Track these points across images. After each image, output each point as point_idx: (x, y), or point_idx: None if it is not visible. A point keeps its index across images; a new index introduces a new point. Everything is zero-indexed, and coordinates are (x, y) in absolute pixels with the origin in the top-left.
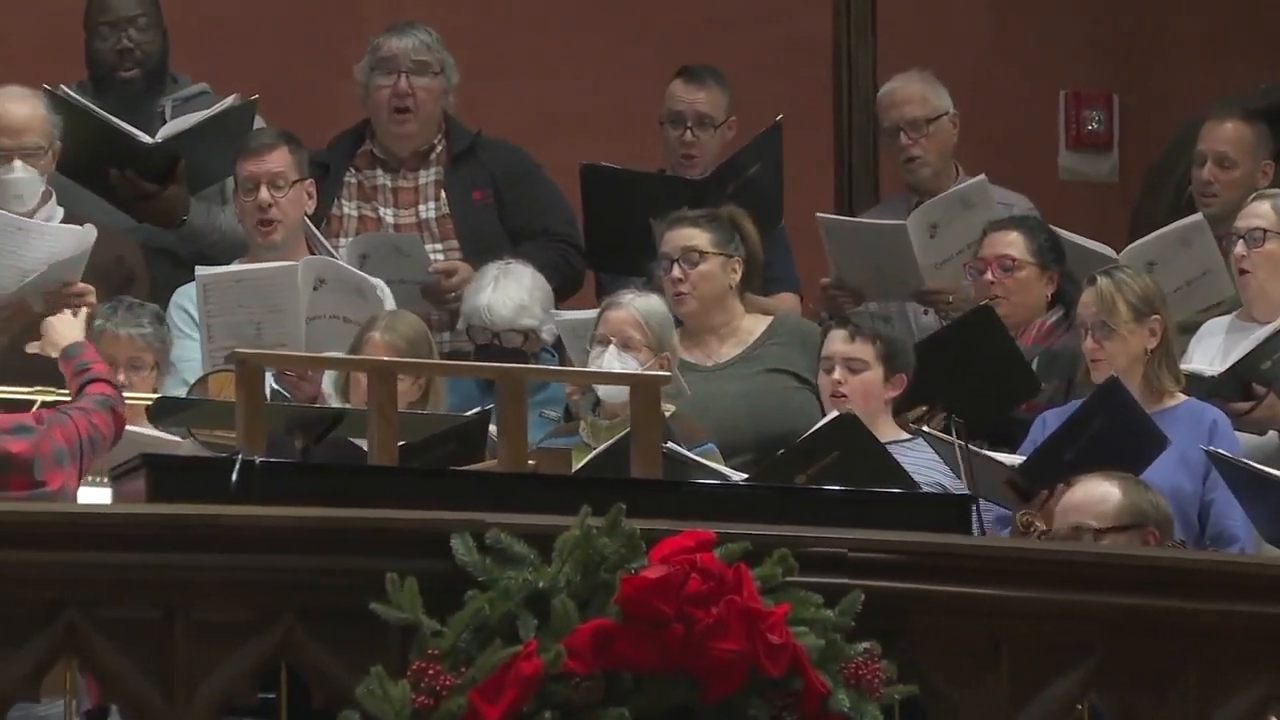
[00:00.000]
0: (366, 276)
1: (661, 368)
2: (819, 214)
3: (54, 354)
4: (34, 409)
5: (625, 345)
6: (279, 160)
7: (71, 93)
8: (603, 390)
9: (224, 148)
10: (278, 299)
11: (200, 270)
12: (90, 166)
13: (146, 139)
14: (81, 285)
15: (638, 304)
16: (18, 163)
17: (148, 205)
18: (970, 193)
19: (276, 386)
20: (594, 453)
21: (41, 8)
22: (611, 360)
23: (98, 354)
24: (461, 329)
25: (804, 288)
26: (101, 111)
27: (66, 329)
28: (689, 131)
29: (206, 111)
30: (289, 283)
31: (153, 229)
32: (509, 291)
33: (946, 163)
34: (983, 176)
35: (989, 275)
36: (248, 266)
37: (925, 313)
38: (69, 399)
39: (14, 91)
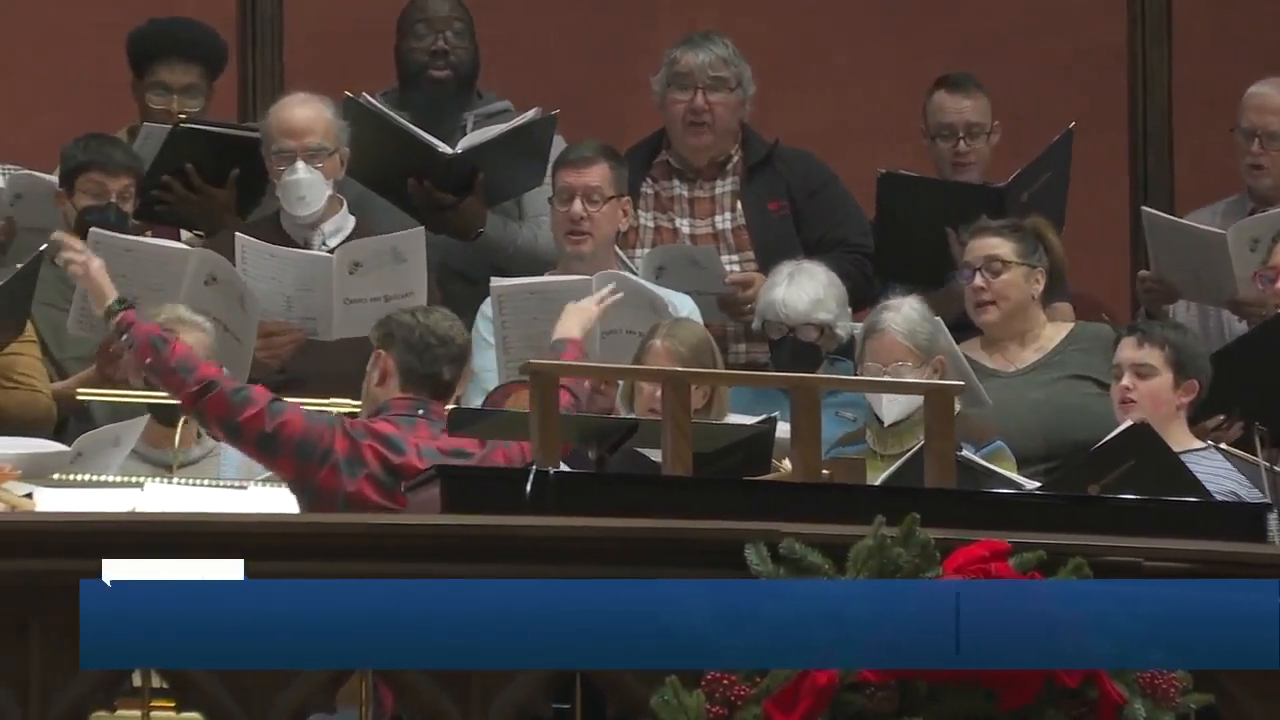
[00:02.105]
0: (659, 292)
1: (936, 369)
2: (1145, 208)
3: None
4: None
5: (899, 373)
6: (598, 175)
7: (373, 100)
8: (887, 414)
9: (523, 162)
10: None
11: (495, 282)
12: (388, 175)
13: (446, 149)
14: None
15: (898, 324)
16: (300, 164)
17: (444, 216)
18: None
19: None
20: (891, 469)
21: (352, 17)
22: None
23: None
24: (757, 328)
25: (1095, 293)
26: (402, 120)
27: (576, 319)
28: (961, 142)
29: (507, 124)
30: (584, 296)
31: (449, 248)
32: (804, 286)
33: None
34: None
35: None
36: (542, 279)
37: (1239, 321)
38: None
39: (299, 96)
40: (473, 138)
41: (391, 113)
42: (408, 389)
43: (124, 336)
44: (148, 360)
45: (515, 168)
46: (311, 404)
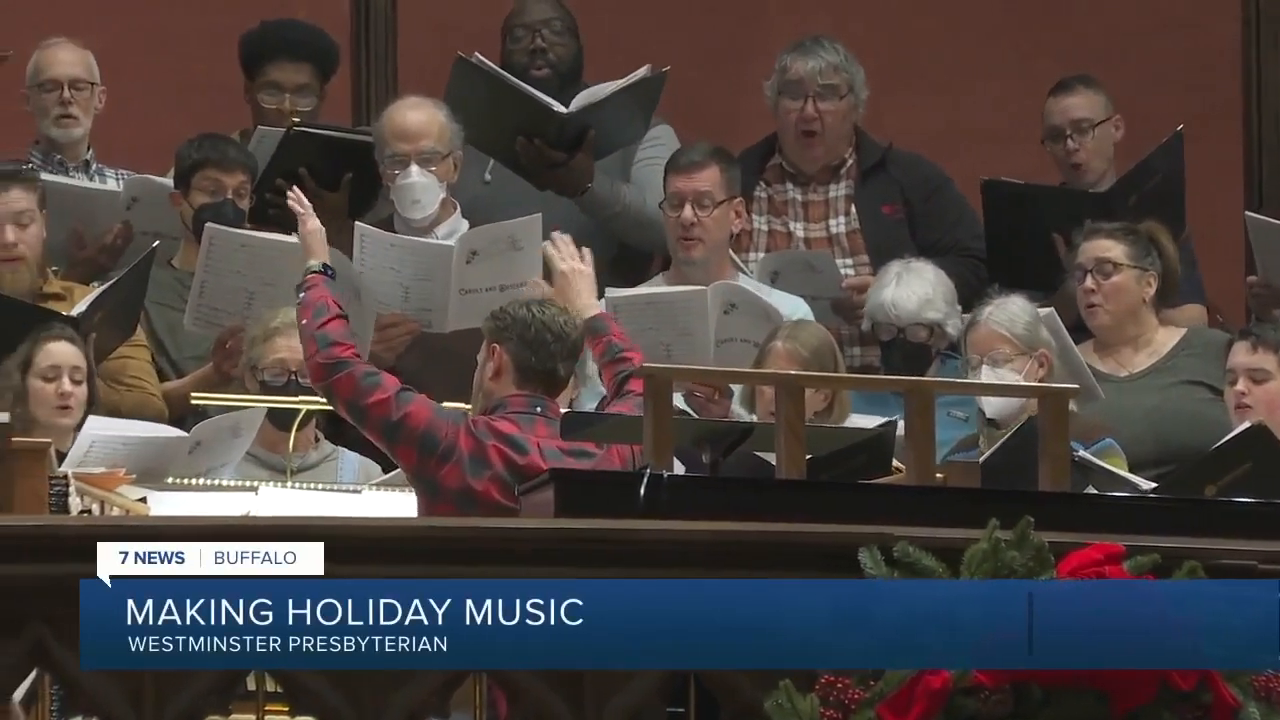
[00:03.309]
0: (773, 300)
1: (1041, 365)
2: (1248, 213)
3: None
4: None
5: (995, 361)
6: (708, 179)
7: (484, 60)
8: (989, 406)
9: (630, 117)
10: (687, 322)
11: (611, 292)
12: (499, 135)
13: (560, 108)
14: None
15: (996, 316)
16: (414, 168)
17: (553, 174)
18: None
19: (685, 407)
20: (995, 446)
21: (465, 18)
22: (988, 379)
23: (622, 331)
24: (866, 329)
25: (1210, 297)
26: (514, 79)
27: (586, 287)
28: (1069, 140)
29: (619, 82)
30: (698, 307)
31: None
32: (913, 286)
33: None
34: None
35: None
36: (657, 290)
37: None
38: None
39: (413, 100)
40: (585, 96)
41: (503, 72)
42: (523, 385)
43: (301, 294)
44: (303, 321)
45: (622, 123)
46: None
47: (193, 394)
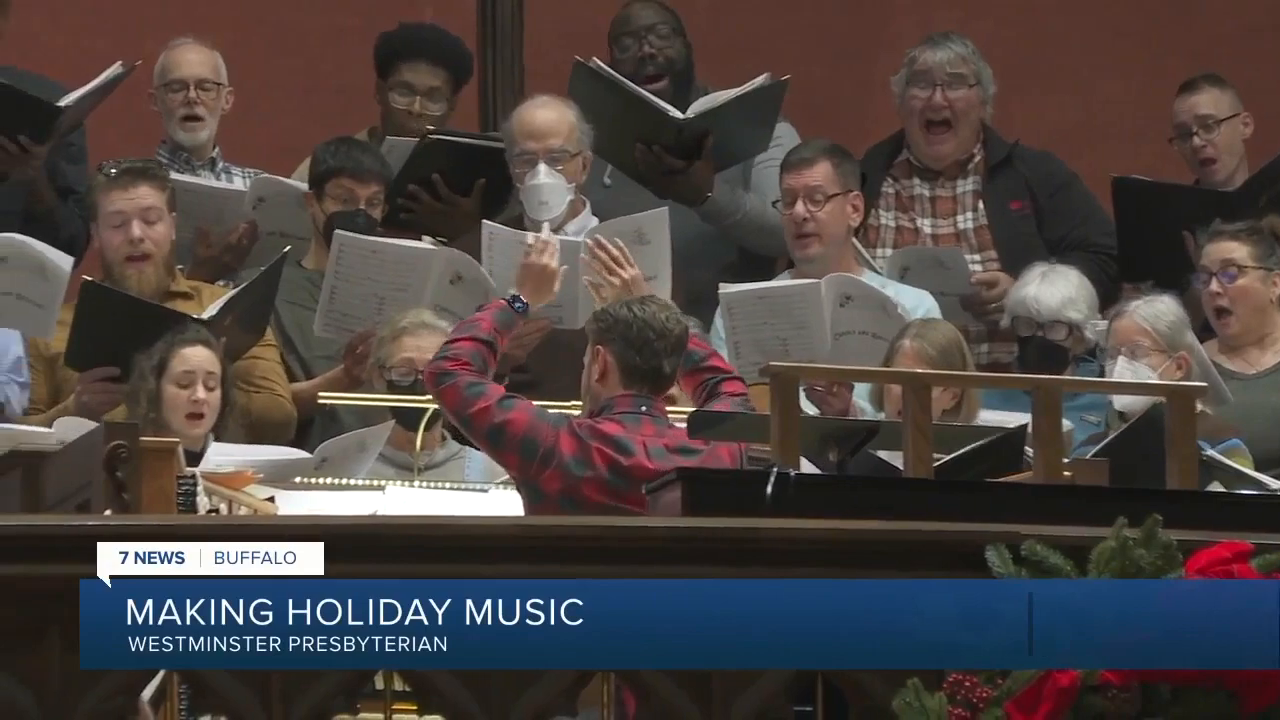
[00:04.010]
0: (890, 292)
1: (1179, 368)
2: None
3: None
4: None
5: (1134, 353)
6: (819, 174)
7: (603, 65)
8: (1119, 401)
9: (751, 126)
10: (803, 316)
11: (724, 288)
12: (617, 141)
13: (678, 114)
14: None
15: (1142, 311)
16: (542, 167)
17: (672, 181)
18: None
19: (806, 401)
20: (1115, 432)
21: (591, 20)
22: (1124, 370)
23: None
24: (1005, 325)
25: None
26: (633, 85)
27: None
28: (1195, 137)
29: (738, 89)
30: (813, 300)
31: (685, 243)
32: (1056, 285)
33: None
34: None
35: None
36: (770, 284)
37: None
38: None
39: (542, 99)
40: (703, 102)
41: (622, 78)
42: (629, 385)
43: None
44: (451, 330)
45: (743, 132)
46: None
47: (320, 394)
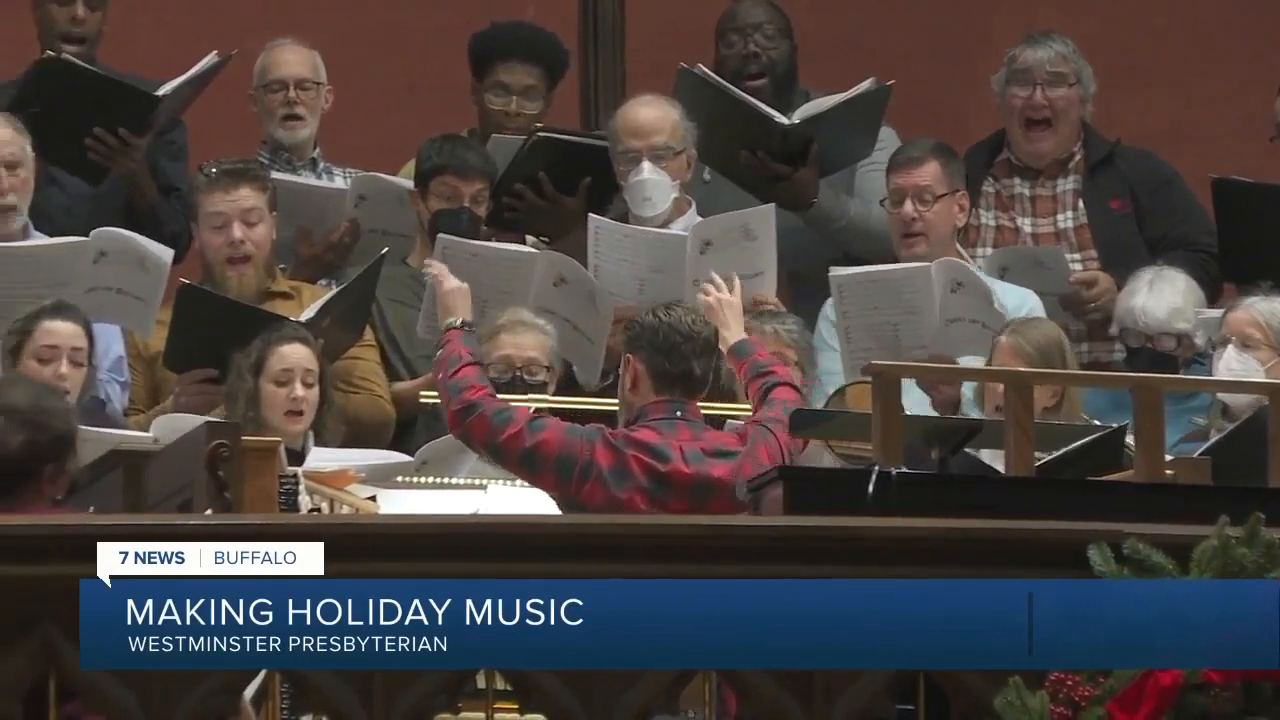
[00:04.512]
0: (992, 283)
1: None
2: None
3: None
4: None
5: (1245, 345)
6: (928, 174)
7: (708, 71)
8: (1227, 396)
9: (855, 132)
10: (913, 300)
11: (834, 271)
12: (721, 146)
13: (783, 120)
14: None
15: (1260, 306)
16: (646, 164)
17: (776, 187)
18: None
19: (917, 388)
20: (1223, 432)
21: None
22: (1230, 360)
23: (768, 351)
24: (1114, 334)
25: None
26: (736, 90)
27: (734, 318)
28: None
29: (843, 95)
30: (923, 284)
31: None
32: (1164, 295)
33: None
34: None
35: None
36: (881, 267)
37: None
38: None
39: (646, 97)
40: (809, 108)
41: (726, 84)
42: (661, 391)
43: (438, 351)
44: (438, 376)
45: (848, 138)
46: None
47: (422, 393)
